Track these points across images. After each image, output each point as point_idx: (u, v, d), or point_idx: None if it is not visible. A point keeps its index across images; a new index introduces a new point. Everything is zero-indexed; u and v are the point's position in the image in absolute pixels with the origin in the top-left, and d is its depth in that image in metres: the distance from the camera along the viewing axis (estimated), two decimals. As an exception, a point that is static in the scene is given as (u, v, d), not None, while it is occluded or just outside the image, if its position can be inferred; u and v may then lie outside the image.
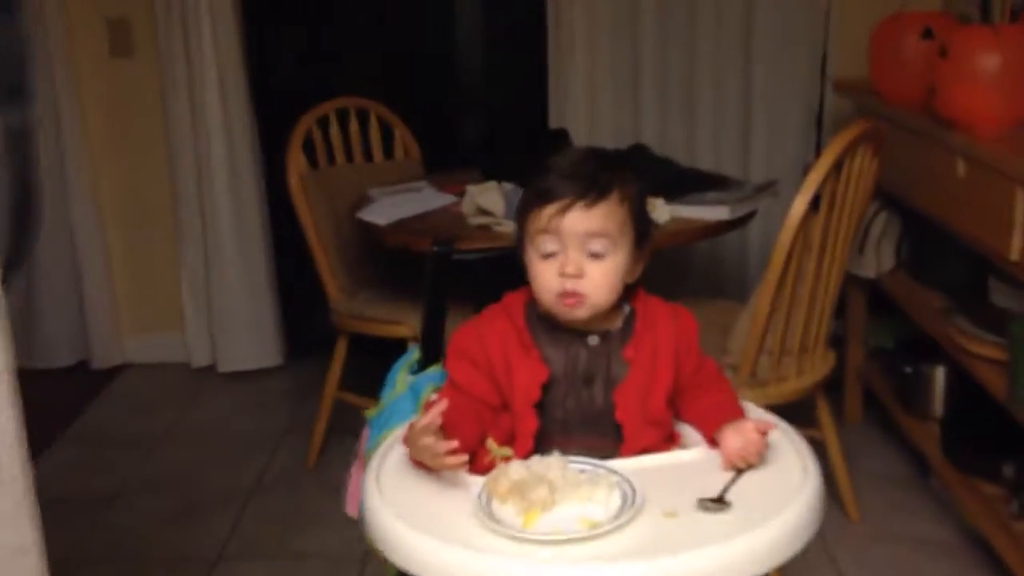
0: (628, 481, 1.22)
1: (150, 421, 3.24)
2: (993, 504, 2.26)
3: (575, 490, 1.19)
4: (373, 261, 2.93)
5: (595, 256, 1.30)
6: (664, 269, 3.06)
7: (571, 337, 1.35)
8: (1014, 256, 1.98)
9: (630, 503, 1.17)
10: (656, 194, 2.32)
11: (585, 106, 3.27)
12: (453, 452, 1.19)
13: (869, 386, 2.96)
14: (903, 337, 2.86)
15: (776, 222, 3.15)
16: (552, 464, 1.23)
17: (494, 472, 1.22)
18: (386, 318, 2.68)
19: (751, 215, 2.49)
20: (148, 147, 3.47)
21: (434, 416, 1.20)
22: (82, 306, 3.53)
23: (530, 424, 1.32)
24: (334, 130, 2.97)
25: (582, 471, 1.24)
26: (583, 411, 1.34)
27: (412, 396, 1.46)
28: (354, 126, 3.01)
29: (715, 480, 1.24)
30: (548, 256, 1.30)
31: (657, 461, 1.30)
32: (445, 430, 1.22)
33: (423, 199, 2.62)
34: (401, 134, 3.13)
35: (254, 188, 3.43)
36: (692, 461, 1.31)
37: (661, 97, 3.28)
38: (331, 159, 2.98)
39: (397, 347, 2.57)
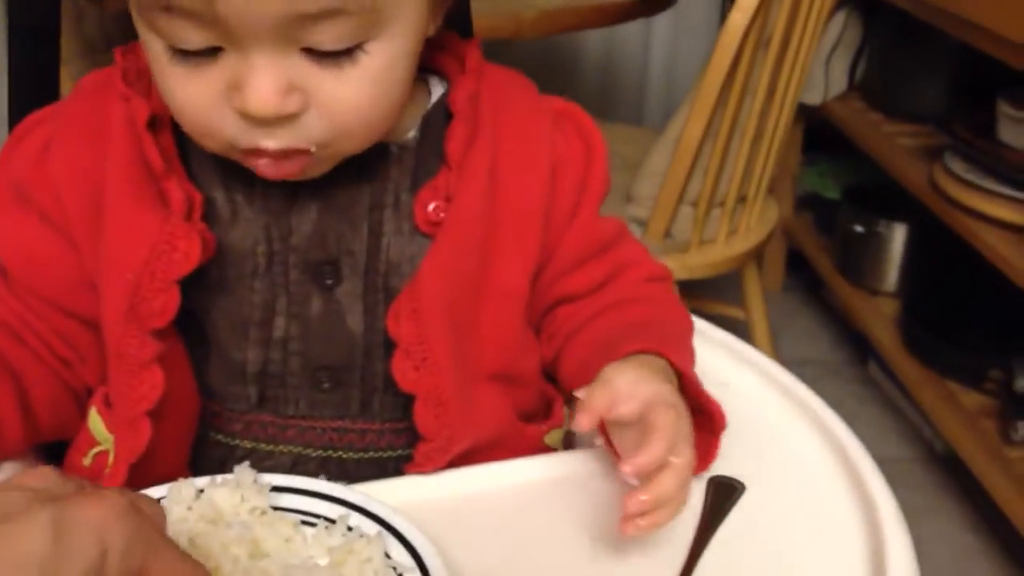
0: (419, 556, 0.47)
1: None
2: (976, 420, 1.65)
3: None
4: None
5: (328, 59, 0.51)
6: (535, 76, 2.27)
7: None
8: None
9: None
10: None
11: None
12: None
13: (797, 246, 2.30)
14: (850, 184, 2.18)
15: (694, 21, 2.47)
16: (229, 500, 0.47)
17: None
18: None
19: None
20: None
21: None
22: None
23: (143, 364, 0.54)
24: None
25: (308, 523, 0.49)
26: (312, 350, 0.58)
27: None
28: None
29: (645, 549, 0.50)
30: (194, 57, 0.51)
31: (491, 483, 0.55)
32: None
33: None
34: None
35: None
36: (585, 481, 0.56)
37: None
38: None
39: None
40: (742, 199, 1.54)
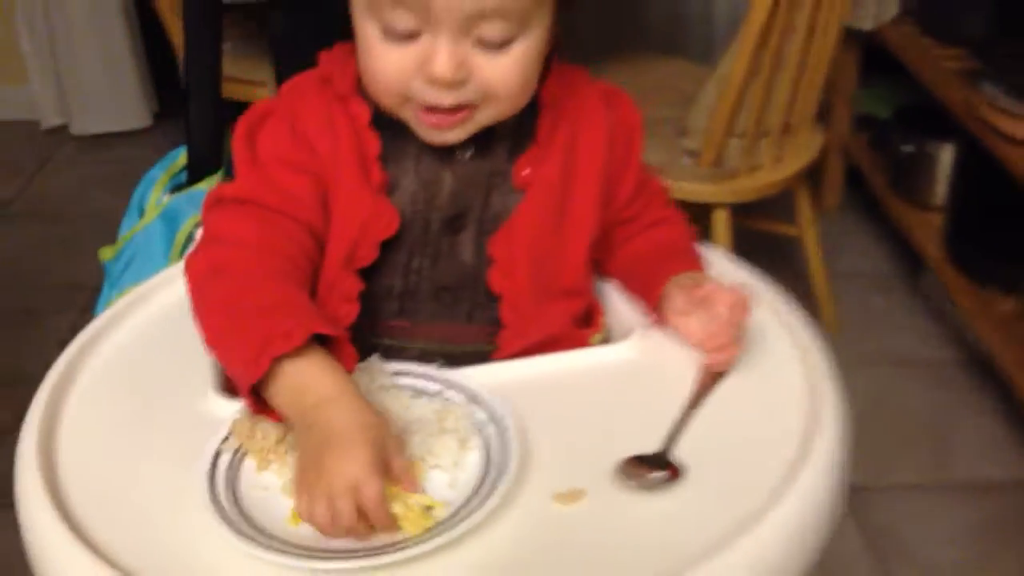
0: (497, 418, 0.68)
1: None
2: (1010, 324, 1.79)
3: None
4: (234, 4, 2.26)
5: (490, 47, 0.72)
6: (601, 18, 2.41)
7: (426, 146, 0.78)
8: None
9: (495, 473, 0.64)
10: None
11: None
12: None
13: (854, 164, 2.43)
14: (902, 106, 2.29)
15: None
16: (362, 383, 0.68)
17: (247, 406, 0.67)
18: (244, 77, 2.07)
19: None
20: None
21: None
22: None
23: (350, 301, 0.77)
24: None
25: (416, 394, 0.70)
26: (439, 277, 0.79)
27: (166, 228, 0.88)
28: None
29: (658, 406, 0.71)
30: (400, 37, 0.72)
31: (556, 368, 0.75)
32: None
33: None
34: None
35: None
36: (620, 364, 0.76)
37: None
38: None
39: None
40: (788, 129, 1.70)
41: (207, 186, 0.91)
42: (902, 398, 1.89)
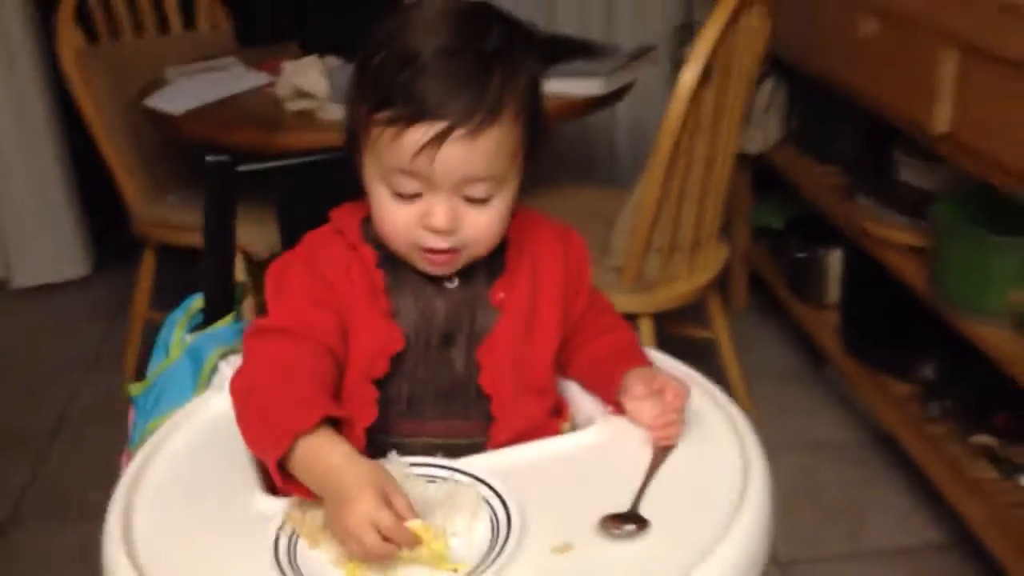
0: (499, 494, 0.85)
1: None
2: (904, 404, 2.02)
3: (423, 516, 0.81)
4: (180, 157, 2.44)
5: (475, 203, 0.91)
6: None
7: (421, 279, 0.96)
8: (939, 128, 1.66)
9: (502, 535, 0.80)
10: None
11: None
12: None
13: (756, 271, 2.68)
14: (793, 217, 2.57)
15: (648, 91, 2.88)
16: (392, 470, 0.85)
17: (297, 498, 0.83)
18: (197, 225, 2.22)
19: (627, 88, 2.10)
20: None
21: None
22: None
23: (368, 406, 0.94)
24: (117, -7, 2.43)
25: (431, 481, 0.87)
26: (437, 383, 0.97)
27: (191, 363, 1.04)
28: (143, -11, 2.47)
29: (622, 473, 0.88)
30: (405, 198, 0.91)
31: (540, 452, 0.93)
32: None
33: (230, 80, 2.13)
34: (205, -1, 2.60)
35: (33, 69, 2.86)
36: (589, 445, 0.94)
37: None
38: (115, 32, 2.44)
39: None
40: (697, 244, 1.93)
41: (222, 326, 1.08)
42: (818, 478, 2.09)
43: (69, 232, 3.07)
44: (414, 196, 0.90)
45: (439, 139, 0.85)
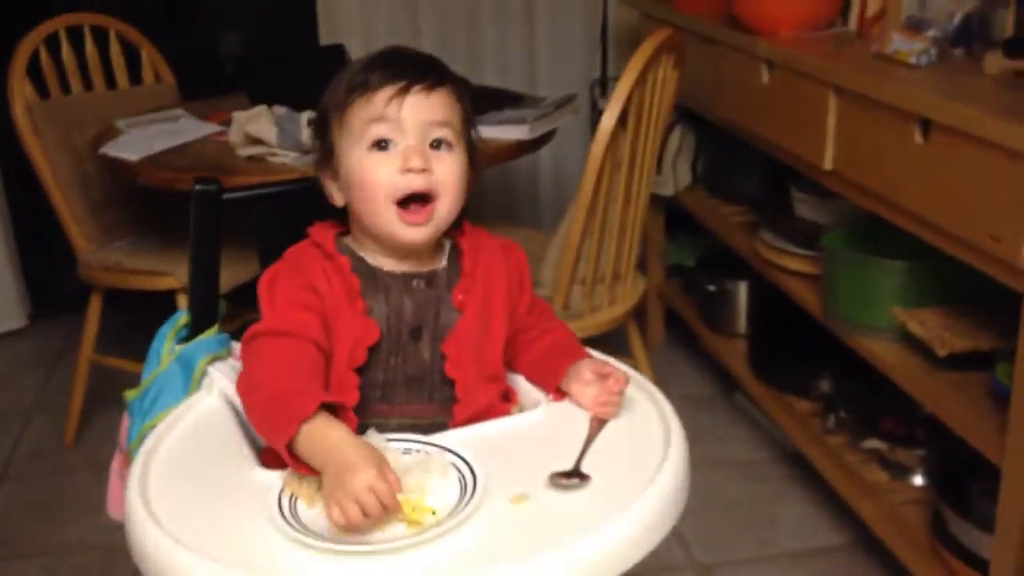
0: (464, 459, 1.00)
1: None
2: (806, 420, 2.22)
3: (401, 480, 0.96)
4: (129, 204, 2.56)
5: (440, 147, 1.10)
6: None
7: (393, 282, 1.12)
8: (827, 165, 1.88)
9: (470, 490, 0.96)
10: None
11: (360, 21, 2.98)
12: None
13: (670, 306, 2.89)
14: (702, 254, 2.78)
15: (566, 141, 3.11)
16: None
17: (291, 471, 0.98)
18: (148, 268, 2.34)
19: (551, 134, 2.30)
20: None
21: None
22: None
23: (351, 391, 1.09)
24: (67, 52, 2.55)
25: (406, 451, 1.02)
26: (407, 371, 1.12)
27: (182, 370, 1.18)
28: (91, 47, 2.60)
29: (566, 444, 1.05)
30: (382, 147, 1.08)
31: (497, 428, 1.09)
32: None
33: (181, 130, 2.27)
34: (149, 55, 2.73)
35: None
36: (537, 423, 1.11)
37: (441, 11, 3.04)
38: (65, 87, 2.56)
39: (167, 302, 2.27)
40: (617, 276, 2.12)
41: (207, 337, 1.22)
42: (731, 493, 2.28)
43: (5, 285, 3.13)
44: (389, 144, 1.08)
45: (403, 91, 1.07)
